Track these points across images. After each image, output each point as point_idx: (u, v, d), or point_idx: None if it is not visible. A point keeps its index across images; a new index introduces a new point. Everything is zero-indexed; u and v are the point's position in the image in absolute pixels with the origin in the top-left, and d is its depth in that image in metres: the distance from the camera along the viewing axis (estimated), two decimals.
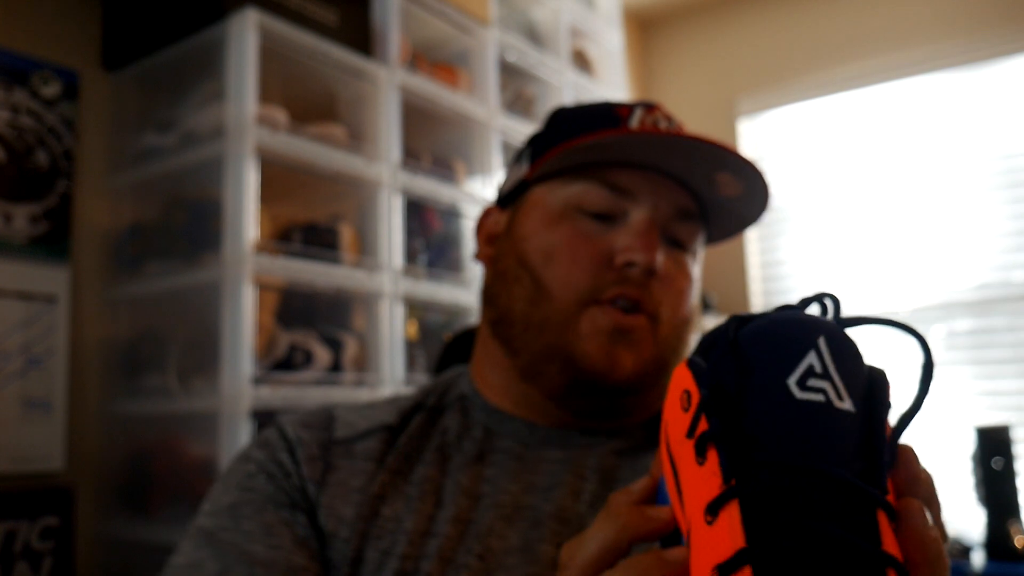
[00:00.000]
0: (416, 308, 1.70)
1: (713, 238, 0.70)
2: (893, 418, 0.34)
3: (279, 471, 0.61)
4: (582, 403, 0.62)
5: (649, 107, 0.66)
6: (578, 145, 0.62)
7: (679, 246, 0.64)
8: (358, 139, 1.58)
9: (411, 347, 1.64)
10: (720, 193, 0.64)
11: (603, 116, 0.65)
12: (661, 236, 0.63)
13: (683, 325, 0.65)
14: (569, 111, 0.69)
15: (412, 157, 1.67)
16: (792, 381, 0.30)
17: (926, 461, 0.35)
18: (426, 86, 1.70)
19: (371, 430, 0.64)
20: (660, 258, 0.61)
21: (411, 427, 0.64)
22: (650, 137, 0.61)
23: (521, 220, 0.66)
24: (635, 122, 0.64)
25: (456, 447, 0.63)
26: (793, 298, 2.76)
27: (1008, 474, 1.91)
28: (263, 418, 1.31)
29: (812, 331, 0.31)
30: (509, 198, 0.69)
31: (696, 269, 0.67)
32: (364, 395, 1.48)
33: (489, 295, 0.67)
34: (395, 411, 0.66)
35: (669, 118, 0.66)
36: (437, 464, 0.61)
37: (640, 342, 0.61)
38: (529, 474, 0.60)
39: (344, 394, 1.45)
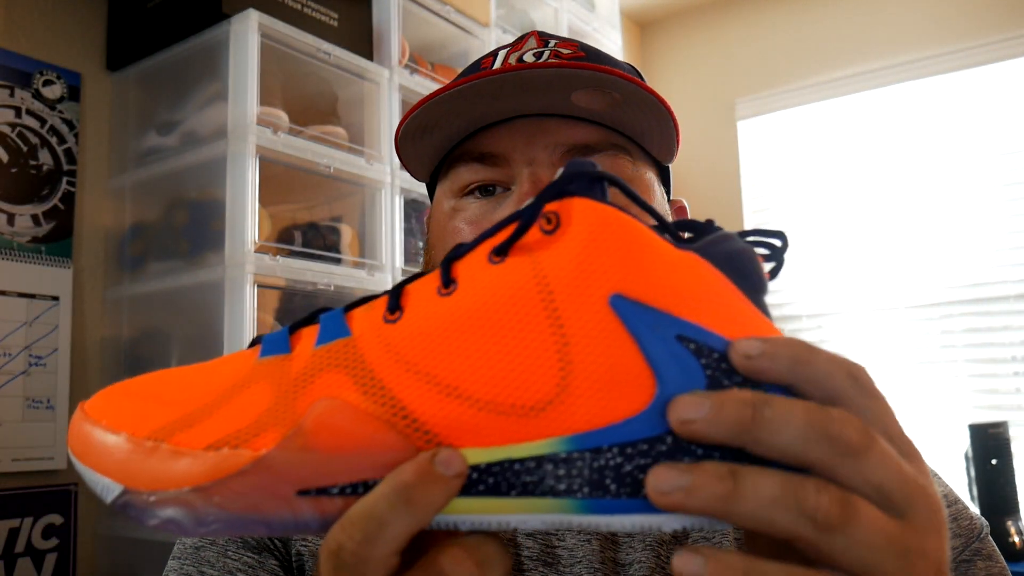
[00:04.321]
0: None
1: (660, 156, 0.58)
2: None
3: None
4: None
5: (518, 42, 0.56)
6: (410, 119, 0.53)
7: None
8: (358, 139, 1.59)
9: None
10: (596, 108, 0.52)
11: (466, 75, 0.55)
12: None
13: None
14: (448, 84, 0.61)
15: None
16: None
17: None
18: (426, 87, 1.71)
19: None
20: None
21: None
22: (477, 83, 0.50)
23: (428, 231, 0.59)
24: (497, 66, 0.54)
25: None
26: (791, 299, 2.77)
27: (1004, 472, 1.92)
28: None
29: None
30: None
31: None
32: None
33: None
34: None
35: (545, 41, 0.56)
36: None
37: None
38: None
39: None
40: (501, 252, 0.29)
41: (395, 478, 0.26)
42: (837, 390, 0.27)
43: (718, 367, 0.27)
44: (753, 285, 0.29)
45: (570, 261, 0.27)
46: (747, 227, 2.84)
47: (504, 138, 0.53)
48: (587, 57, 0.54)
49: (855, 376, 0.27)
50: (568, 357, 0.27)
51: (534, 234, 0.28)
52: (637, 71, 0.59)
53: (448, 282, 0.29)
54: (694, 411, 0.25)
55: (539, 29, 0.57)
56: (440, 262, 0.30)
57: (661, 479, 0.25)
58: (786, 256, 0.31)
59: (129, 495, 0.29)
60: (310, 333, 0.30)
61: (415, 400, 0.27)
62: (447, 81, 1.77)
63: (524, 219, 0.28)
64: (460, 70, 1.84)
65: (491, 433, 0.27)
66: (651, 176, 0.56)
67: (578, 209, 0.28)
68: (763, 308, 0.29)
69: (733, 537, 0.53)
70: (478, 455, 0.27)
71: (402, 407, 0.27)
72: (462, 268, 0.29)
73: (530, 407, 0.26)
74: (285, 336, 0.31)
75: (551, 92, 0.51)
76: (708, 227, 0.31)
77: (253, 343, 0.32)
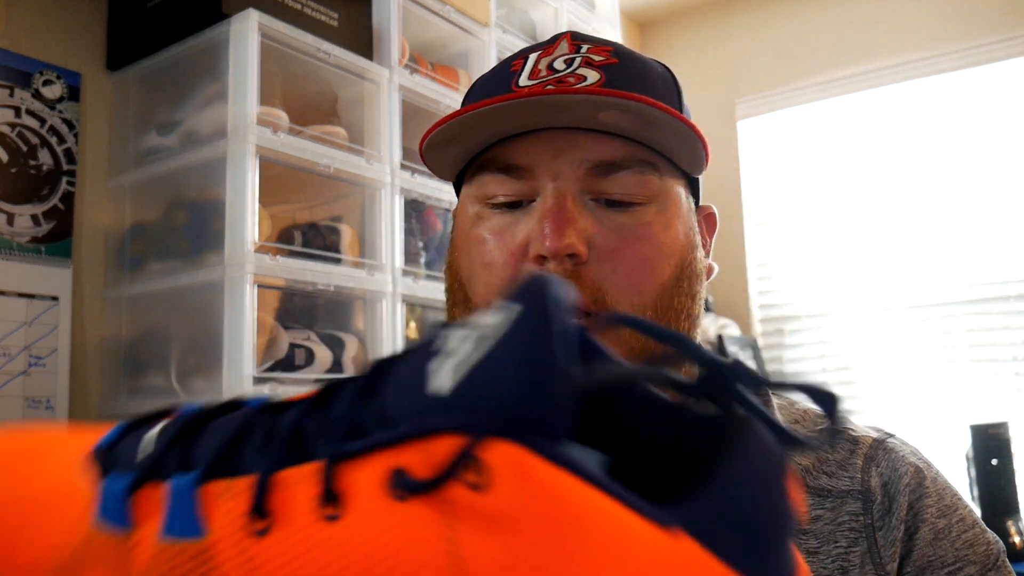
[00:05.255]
0: (416, 308, 1.71)
1: (689, 169, 0.57)
2: None
3: None
4: None
5: (550, 44, 0.56)
6: (435, 132, 0.53)
7: (621, 204, 0.51)
8: (358, 139, 1.59)
9: None
10: (624, 125, 0.51)
11: (496, 80, 0.56)
12: (584, 202, 0.51)
13: (656, 297, 0.51)
14: (476, 83, 0.60)
15: (412, 157, 1.68)
16: None
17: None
18: (426, 87, 1.71)
19: None
20: (574, 237, 0.49)
21: None
22: (503, 105, 0.49)
23: (453, 230, 0.59)
24: (525, 76, 0.53)
25: None
26: (791, 299, 2.76)
27: (1005, 472, 1.92)
28: None
29: None
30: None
31: (665, 221, 0.53)
32: None
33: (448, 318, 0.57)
34: None
35: (577, 46, 0.54)
36: None
37: None
38: None
39: None
40: (408, 488, 0.21)
41: None
42: None
43: None
44: (764, 548, 0.21)
45: (498, 550, 0.20)
46: (746, 231, 2.83)
47: (530, 150, 0.52)
48: (619, 65, 0.54)
49: None
50: None
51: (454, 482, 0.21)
52: (671, 74, 0.58)
53: (331, 497, 0.22)
54: None
55: (572, 30, 0.57)
56: (324, 458, 0.22)
57: None
58: (841, 418, 0.23)
59: None
60: (155, 503, 0.24)
61: None
62: (447, 81, 1.78)
63: (451, 466, 0.20)
64: (460, 70, 1.85)
65: None
66: (679, 189, 0.55)
67: (520, 476, 0.20)
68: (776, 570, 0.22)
69: None
70: None
71: None
72: (351, 482, 0.22)
73: None
74: (124, 501, 0.25)
75: (578, 110, 0.50)
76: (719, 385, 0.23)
77: (92, 457, 0.27)
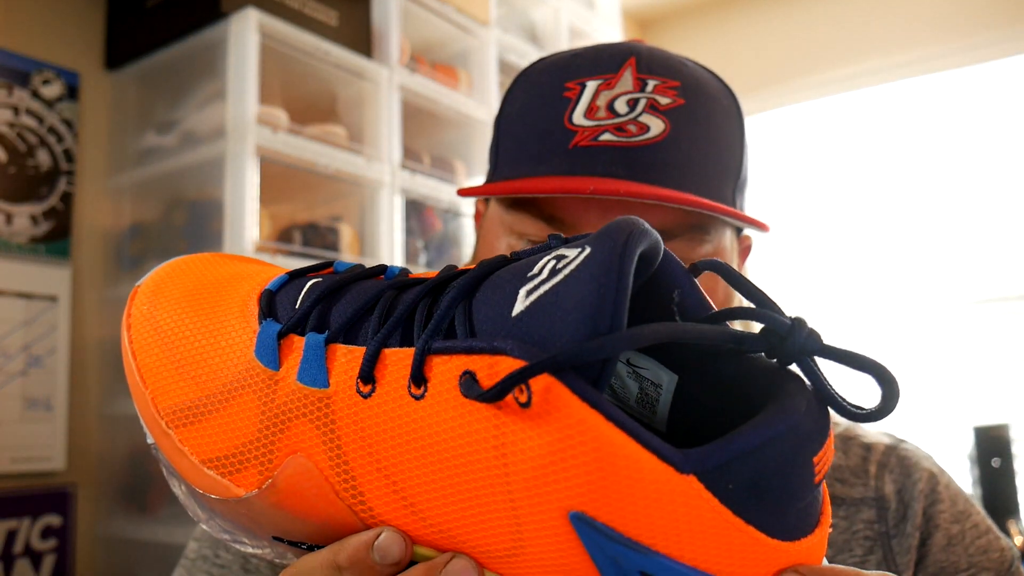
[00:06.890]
0: None
1: (743, 227, 0.54)
2: None
3: None
4: None
5: (609, 74, 0.50)
6: (476, 191, 0.52)
7: None
8: (358, 139, 1.58)
9: None
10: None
11: (546, 99, 0.51)
12: None
13: None
14: (518, 96, 0.55)
15: (412, 157, 1.68)
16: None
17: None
18: (426, 86, 1.70)
19: None
20: None
21: None
22: (566, 196, 0.47)
23: (480, 236, 0.57)
24: (580, 112, 0.49)
25: None
26: (791, 299, 2.76)
27: (1006, 473, 1.91)
28: None
29: None
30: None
31: (710, 283, 0.51)
32: None
33: None
34: None
35: (643, 83, 0.49)
36: None
37: None
38: None
39: None
40: (474, 393, 0.25)
41: (333, 556, 0.28)
42: None
43: None
44: (778, 506, 0.23)
45: (533, 459, 0.24)
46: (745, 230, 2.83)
47: (576, 207, 0.49)
48: (685, 109, 0.50)
49: None
50: (522, 539, 0.25)
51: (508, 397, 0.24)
52: (735, 103, 0.54)
53: (419, 380, 0.26)
54: None
55: (636, 51, 0.51)
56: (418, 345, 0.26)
57: None
58: (895, 399, 0.24)
59: (157, 452, 0.32)
60: (296, 349, 0.29)
61: (377, 498, 0.27)
62: (447, 80, 1.77)
63: (506, 386, 0.23)
64: (460, 70, 1.85)
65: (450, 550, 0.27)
66: (726, 240, 0.53)
67: (556, 402, 0.23)
68: (786, 531, 0.23)
69: None
70: (433, 554, 0.27)
71: (364, 499, 0.28)
72: (434, 373, 0.26)
73: (483, 551, 0.26)
74: (275, 346, 0.30)
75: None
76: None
77: (261, 297, 0.32)
